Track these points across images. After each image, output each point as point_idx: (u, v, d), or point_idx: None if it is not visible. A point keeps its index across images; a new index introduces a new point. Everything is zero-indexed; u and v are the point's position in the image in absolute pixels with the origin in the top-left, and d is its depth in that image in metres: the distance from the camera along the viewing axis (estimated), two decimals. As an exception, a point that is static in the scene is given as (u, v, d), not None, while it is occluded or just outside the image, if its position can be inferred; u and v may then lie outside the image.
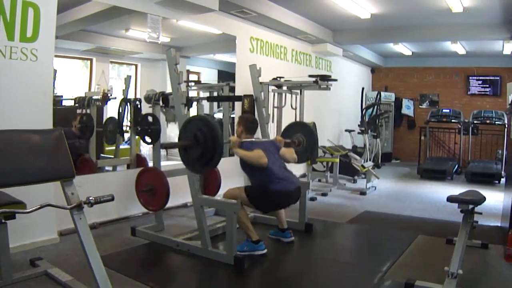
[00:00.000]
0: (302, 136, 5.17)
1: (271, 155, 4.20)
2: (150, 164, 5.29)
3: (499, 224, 5.32)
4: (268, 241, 4.44)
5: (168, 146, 4.13)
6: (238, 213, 3.95)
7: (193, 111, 5.33)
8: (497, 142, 10.33)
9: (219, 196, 5.07)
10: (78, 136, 5.65)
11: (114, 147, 6.11)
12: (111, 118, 6.04)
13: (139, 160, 5.94)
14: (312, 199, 6.73)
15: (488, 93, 11.73)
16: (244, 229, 4.12)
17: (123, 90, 6.10)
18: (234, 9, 6.58)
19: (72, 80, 6.16)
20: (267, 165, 4.05)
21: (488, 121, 10.06)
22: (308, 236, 4.89)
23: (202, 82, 7.95)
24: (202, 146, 3.67)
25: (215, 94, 7.17)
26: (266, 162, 4.03)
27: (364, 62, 12.36)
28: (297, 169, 8.66)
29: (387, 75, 13.21)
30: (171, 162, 6.80)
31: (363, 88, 9.99)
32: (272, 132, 6.23)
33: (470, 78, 11.90)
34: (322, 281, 3.66)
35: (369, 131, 8.85)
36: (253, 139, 4.41)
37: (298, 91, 6.91)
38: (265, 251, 4.11)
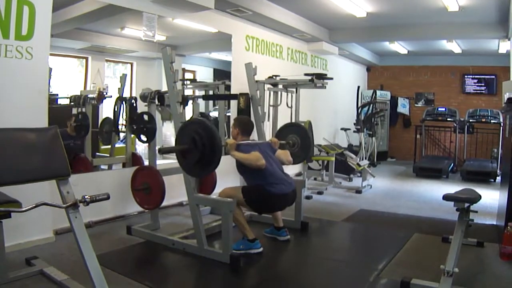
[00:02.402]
0: (296, 137, 5.19)
1: (268, 157, 4.19)
2: (146, 162, 5.28)
3: (494, 223, 5.33)
4: (263, 239, 4.44)
5: (167, 150, 4.12)
6: (234, 212, 3.95)
7: (188, 110, 5.31)
8: (493, 141, 10.37)
9: (215, 195, 5.08)
10: (73, 137, 5.63)
11: (109, 146, 6.09)
12: (107, 119, 6.02)
13: (135, 159, 5.93)
14: (308, 197, 6.73)
15: (483, 91, 11.76)
16: (240, 228, 4.13)
17: (119, 88, 6.09)
18: (229, 7, 6.57)
19: (68, 78, 6.14)
20: (264, 167, 4.05)
21: (483, 120, 10.09)
22: (304, 234, 4.89)
23: (198, 80, 7.93)
24: (200, 150, 3.64)
25: (211, 92, 7.15)
26: (264, 164, 4.02)
27: (359, 60, 12.37)
28: (293, 168, 8.67)
29: (383, 74, 13.22)
30: (167, 160, 6.80)
31: (358, 87, 10.00)
32: (268, 130, 6.23)
33: (466, 76, 11.93)
34: (317, 279, 3.66)
35: (365, 129, 8.85)
36: (249, 141, 4.40)
37: (294, 90, 6.90)
38: (261, 249, 4.11)
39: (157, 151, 4.44)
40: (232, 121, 4.58)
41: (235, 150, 4.05)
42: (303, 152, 5.25)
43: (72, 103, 5.71)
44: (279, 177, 4.20)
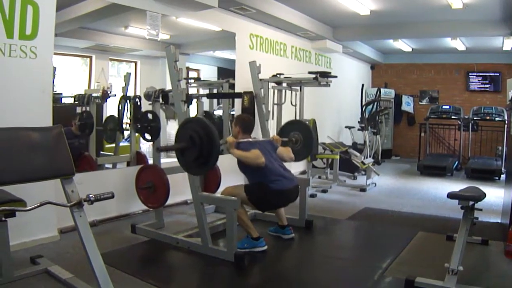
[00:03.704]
0: (299, 134, 5.18)
1: (268, 154, 4.18)
2: (150, 161, 5.28)
3: (499, 221, 5.31)
4: (268, 237, 4.44)
5: (165, 149, 4.11)
6: (237, 211, 3.95)
7: (193, 108, 5.32)
8: (497, 139, 10.33)
9: (219, 193, 5.09)
10: (78, 136, 5.65)
11: (114, 145, 6.10)
12: (111, 117, 6.04)
13: (139, 158, 5.94)
14: (312, 195, 6.73)
15: (488, 89, 11.72)
16: (243, 226, 4.13)
17: (123, 87, 6.09)
18: (233, 6, 6.57)
19: (72, 77, 6.15)
20: (264, 165, 4.03)
21: (488, 117, 10.05)
22: (308, 232, 4.89)
23: (202, 79, 7.94)
24: (198, 148, 3.64)
25: (215, 91, 7.16)
26: (264, 162, 4.00)
27: (363, 58, 12.34)
28: (297, 166, 8.68)
29: (387, 72, 13.19)
30: (171, 159, 6.81)
31: (363, 85, 9.98)
32: (272, 129, 6.23)
33: (470, 74, 11.89)
34: (322, 277, 3.66)
35: (369, 127, 8.85)
36: (250, 139, 4.38)
37: (298, 88, 6.90)
38: (265, 247, 4.11)
39: (156, 150, 4.42)
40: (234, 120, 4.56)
41: (234, 148, 4.06)
42: (306, 150, 5.22)
43: (77, 102, 5.72)
44: (279, 173, 4.18)
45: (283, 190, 4.14)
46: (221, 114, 7.19)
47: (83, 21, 5.59)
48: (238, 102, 6.86)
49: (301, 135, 5.18)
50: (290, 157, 4.54)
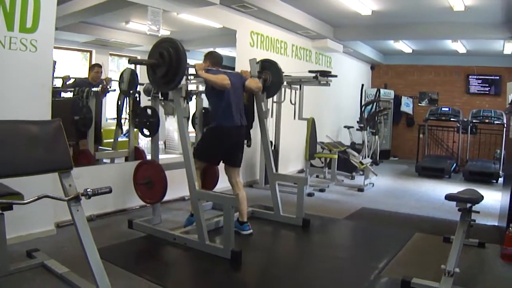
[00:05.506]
0: (269, 73, 5.27)
1: (234, 87, 4.41)
2: (148, 157, 5.28)
3: (496, 224, 5.33)
4: (265, 236, 4.44)
5: (137, 61, 4.25)
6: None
7: (192, 105, 5.31)
8: (496, 142, 10.33)
9: (217, 190, 5.08)
10: (94, 85, 5.80)
11: (112, 140, 6.10)
12: None
13: (137, 153, 5.93)
14: (310, 194, 6.73)
15: (487, 92, 11.73)
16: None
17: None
18: (235, 3, 6.56)
19: (72, 72, 6.14)
20: (228, 91, 4.30)
21: (487, 120, 10.04)
22: (305, 231, 4.88)
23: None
24: (167, 65, 3.85)
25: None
26: (229, 84, 4.24)
27: (364, 58, 12.35)
28: (295, 165, 8.68)
29: (387, 72, 13.20)
30: (170, 155, 6.81)
31: (362, 85, 9.96)
32: (271, 127, 6.22)
33: (470, 77, 11.89)
34: (318, 277, 3.66)
35: (368, 128, 8.83)
36: (220, 69, 4.58)
37: (298, 87, 6.90)
38: (250, 231, 4.35)
39: (128, 61, 4.52)
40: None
41: (202, 71, 4.25)
42: (274, 88, 5.40)
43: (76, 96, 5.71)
44: (235, 109, 4.43)
45: (233, 127, 4.43)
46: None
47: (84, 16, 5.58)
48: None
49: (270, 75, 5.29)
50: (257, 87, 4.81)
